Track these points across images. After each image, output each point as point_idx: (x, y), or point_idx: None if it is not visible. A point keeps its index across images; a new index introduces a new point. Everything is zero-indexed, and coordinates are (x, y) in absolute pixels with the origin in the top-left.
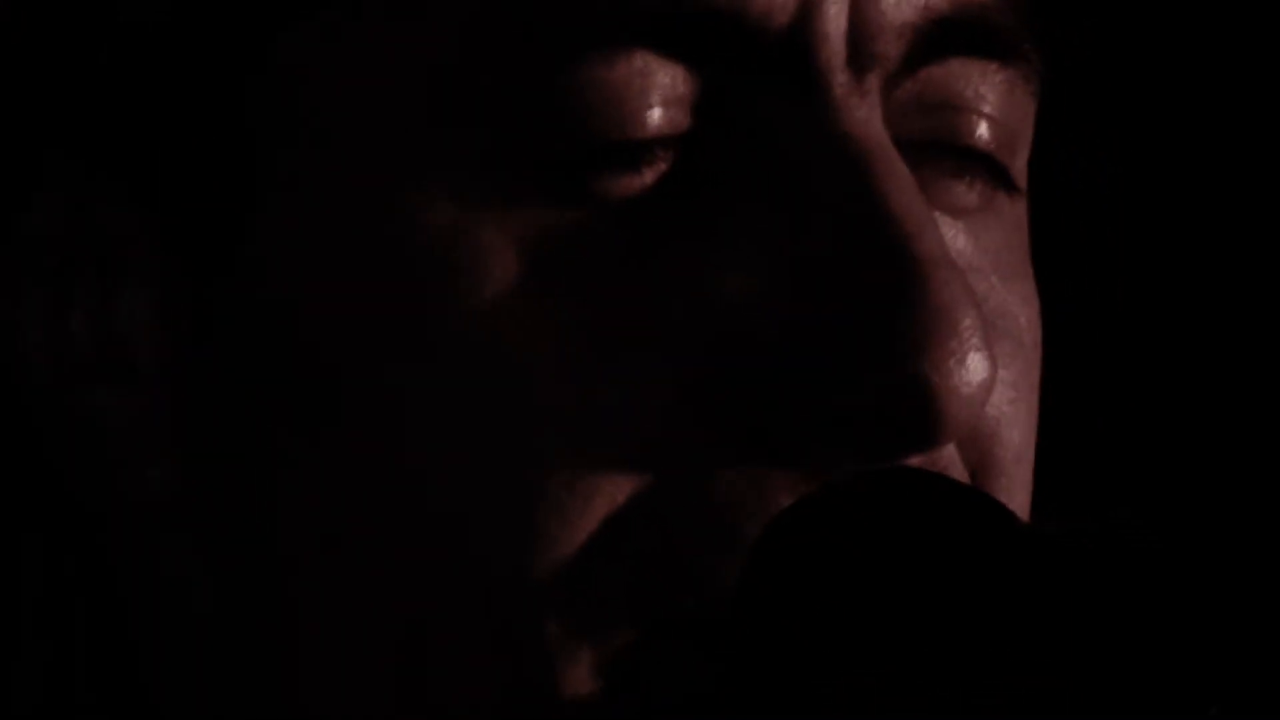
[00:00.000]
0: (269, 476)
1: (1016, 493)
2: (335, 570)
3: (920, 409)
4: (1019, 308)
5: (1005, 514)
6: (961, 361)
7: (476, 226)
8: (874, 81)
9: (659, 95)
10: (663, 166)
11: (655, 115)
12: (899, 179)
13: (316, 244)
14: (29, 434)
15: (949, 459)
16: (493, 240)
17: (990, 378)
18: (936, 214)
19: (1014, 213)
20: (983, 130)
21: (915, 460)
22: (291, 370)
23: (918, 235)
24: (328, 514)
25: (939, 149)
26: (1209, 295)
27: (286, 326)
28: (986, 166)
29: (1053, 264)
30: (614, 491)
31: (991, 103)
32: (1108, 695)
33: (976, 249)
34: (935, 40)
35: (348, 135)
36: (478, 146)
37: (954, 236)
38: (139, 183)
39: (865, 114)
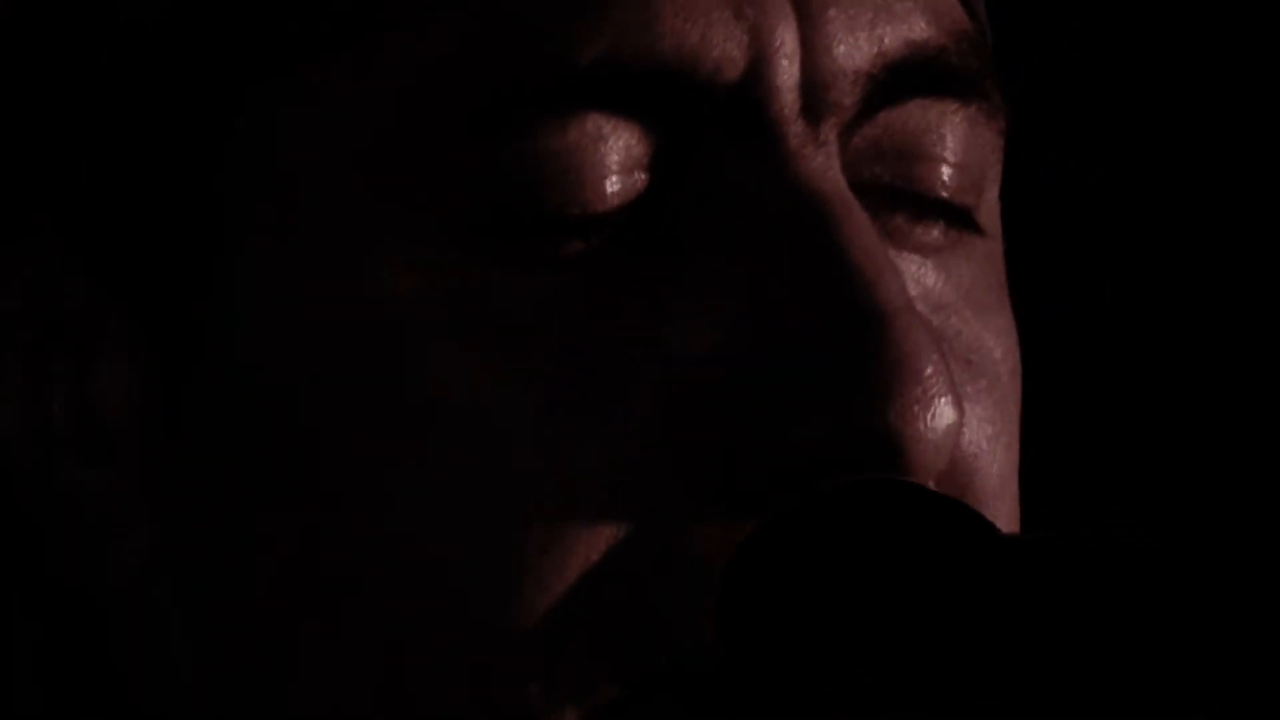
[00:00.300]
0: (245, 545)
1: (1001, 525)
2: (314, 639)
3: (888, 458)
4: (994, 342)
5: (983, 520)
6: (927, 408)
7: (441, 292)
8: (830, 130)
9: (615, 159)
10: (623, 227)
11: (613, 181)
12: (857, 226)
13: (282, 314)
14: (10, 510)
15: None
16: (459, 305)
17: (957, 422)
18: (904, 253)
19: (985, 249)
20: (943, 176)
21: None
22: (264, 438)
23: (877, 283)
24: (305, 580)
25: (900, 195)
26: (1197, 299)
27: (257, 395)
28: (948, 212)
29: (1041, 268)
30: (588, 549)
31: (952, 147)
32: (1099, 697)
33: (948, 285)
34: (890, 85)
35: (308, 207)
36: (437, 216)
37: (924, 274)
38: (108, 256)
39: (821, 163)
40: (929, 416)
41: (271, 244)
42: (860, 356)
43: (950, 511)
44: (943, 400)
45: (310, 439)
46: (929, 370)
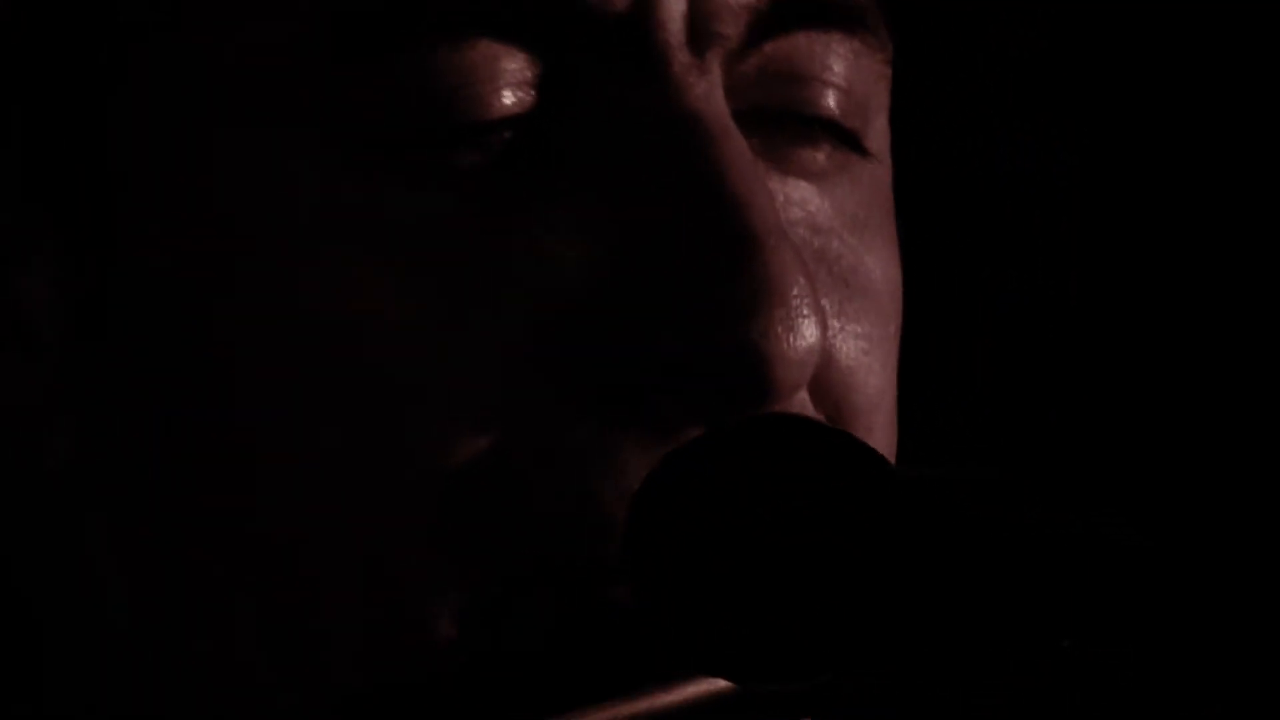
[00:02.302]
0: (162, 446)
1: (876, 437)
2: (225, 536)
3: (750, 373)
4: (874, 263)
5: (875, 456)
6: (790, 328)
7: (338, 205)
8: (714, 59)
9: (506, 79)
10: (512, 143)
11: (503, 98)
12: (733, 150)
13: (188, 222)
14: None
15: (801, 409)
16: (354, 217)
17: (819, 342)
18: (789, 177)
19: (871, 174)
20: (827, 99)
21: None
22: (173, 339)
23: (749, 206)
24: (212, 473)
25: (785, 118)
26: (1163, 291)
27: (167, 297)
28: (833, 133)
29: (1005, 260)
30: (464, 449)
31: (836, 72)
32: (971, 627)
33: (831, 208)
34: (775, 17)
35: (214, 119)
36: (336, 132)
37: (807, 197)
38: (35, 168)
39: (704, 90)
40: (792, 336)
41: (180, 156)
42: (729, 276)
43: (852, 450)
44: (806, 321)
45: (212, 339)
46: (794, 291)
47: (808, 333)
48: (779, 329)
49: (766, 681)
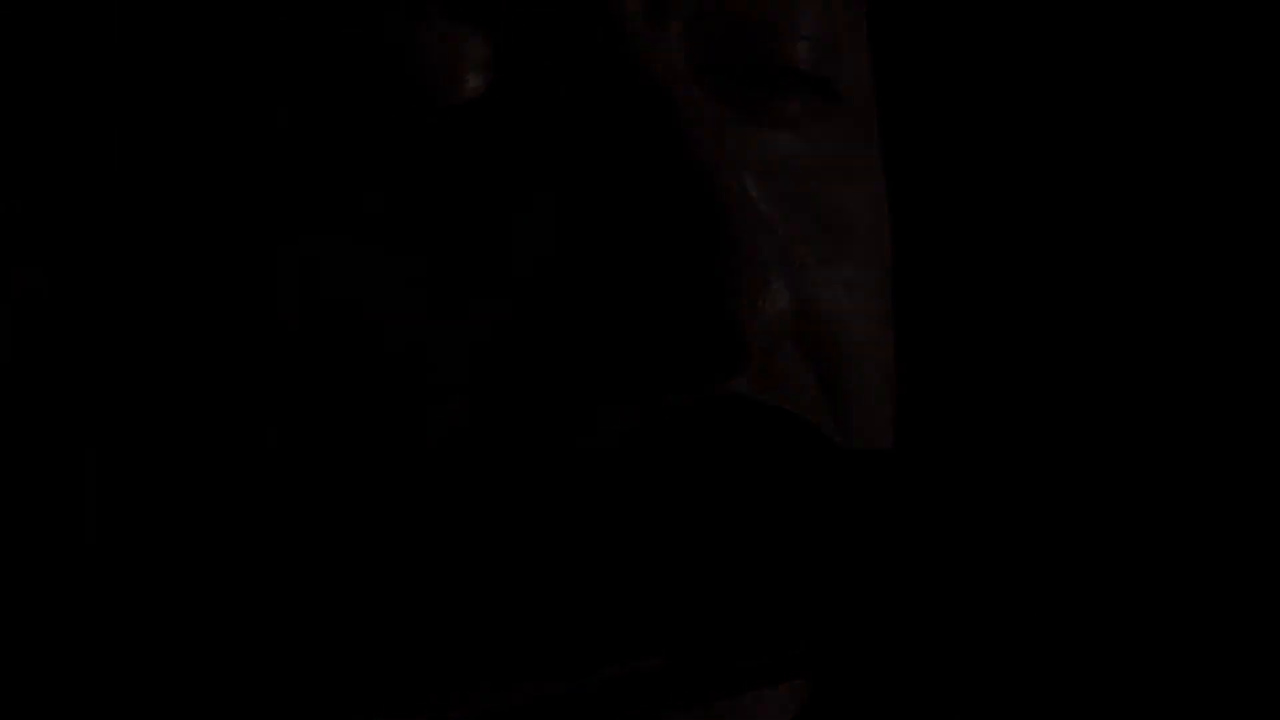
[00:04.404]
0: (144, 401)
1: (869, 377)
2: (200, 505)
3: (722, 340)
4: (857, 205)
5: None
6: (758, 291)
7: (304, 184)
8: (675, 25)
9: (461, 61)
10: (472, 126)
11: (460, 80)
12: (694, 120)
13: (159, 199)
14: None
15: (787, 362)
16: (321, 199)
17: (787, 305)
18: (764, 128)
19: (849, 118)
20: (797, 50)
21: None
22: (156, 320)
23: (712, 174)
24: (182, 454)
25: (755, 71)
26: (1131, 246)
27: (144, 274)
28: (806, 84)
29: (998, 257)
30: (438, 420)
31: (805, 23)
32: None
33: (808, 153)
34: None
35: (209, 59)
36: (296, 110)
37: (782, 142)
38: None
39: (663, 56)
40: (759, 300)
41: (160, 130)
42: (693, 246)
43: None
44: (774, 283)
45: (189, 317)
46: (760, 255)
47: (776, 296)
48: (745, 297)
49: (737, 655)
